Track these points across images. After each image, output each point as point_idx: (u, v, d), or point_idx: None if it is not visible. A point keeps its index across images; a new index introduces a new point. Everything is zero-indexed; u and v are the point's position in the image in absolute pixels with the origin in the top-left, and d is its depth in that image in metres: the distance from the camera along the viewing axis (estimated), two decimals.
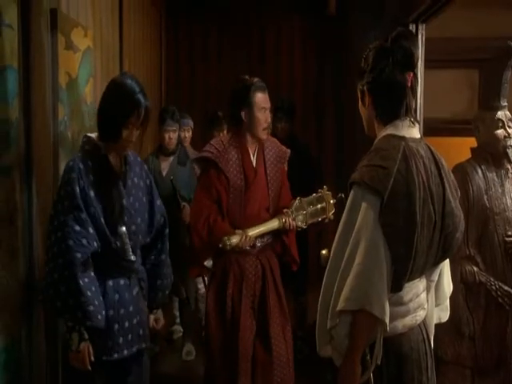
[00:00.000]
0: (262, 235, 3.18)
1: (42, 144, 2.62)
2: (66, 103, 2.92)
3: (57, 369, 2.82)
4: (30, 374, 2.54)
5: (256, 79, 3.24)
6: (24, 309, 2.48)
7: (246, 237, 3.05)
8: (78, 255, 2.23)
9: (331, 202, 3.29)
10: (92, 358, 2.31)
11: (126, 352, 2.44)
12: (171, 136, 4.44)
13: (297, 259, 3.39)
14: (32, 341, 2.53)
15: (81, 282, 2.23)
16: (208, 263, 3.31)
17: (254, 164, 3.26)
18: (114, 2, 4.16)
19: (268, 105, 3.23)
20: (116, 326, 2.40)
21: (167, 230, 2.69)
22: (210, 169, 3.19)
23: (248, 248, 3.16)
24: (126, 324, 2.44)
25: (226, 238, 2.99)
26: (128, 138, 2.36)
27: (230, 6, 6.39)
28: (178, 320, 4.90)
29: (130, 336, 2.46)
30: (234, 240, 3.01)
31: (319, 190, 3.29)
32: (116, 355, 2.41)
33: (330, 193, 3.30)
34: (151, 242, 2.62)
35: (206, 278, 3.63)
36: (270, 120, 3.27)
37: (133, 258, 2.45)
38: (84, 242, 2.26)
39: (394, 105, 1.97)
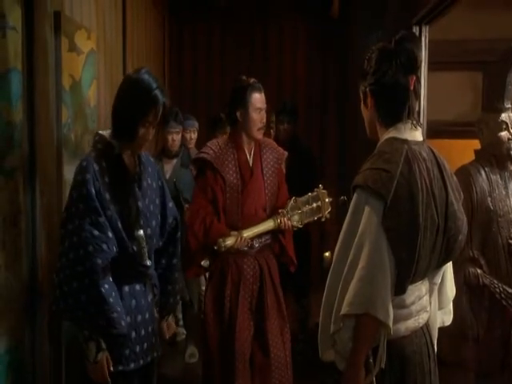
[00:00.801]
0: (259, 235, 3.21)
1: (45, 146, 2.62)
2: (70, 105, 2.92)
3: (60, 370, 2.82)
4: (34, 376, 2.54)
5: (253, 80, 3.27)
6: (27, 310, 2.48)
7: (240, 238, 3.07)
8: (99, 261, 2.14)
9: (327, 200, 3.31)
10: (111, 369, 2.23)
11: (141, 362, 2.37)
12: (174, 138, 4.44)
13: (294, 260, 3.40)
14: (35, 342, 2.53)
15: (102, 289, 2.14)
16: (205, 263, 3.32)
17: (251, 163, 3.29)
18: (117, 3, 4.17)
19: (264, 105, 3.25)
20: (133, 334, 2.32)
21: (179, 234, 2.61)
22: (207, 170, 3.22)
23: (246, 248, 3.18)
24: (143, 332, 2.37)
25: (220, 240, 3.03)
26: (145, 137, 2.27)
27: (233, 7, 6.40)
28: (181, 322, 4.89)
29: (145, 345, 2.38)
30: (229, 242, 3.05)
31: (315, 189, 3.31)
32: (133, 365, 2.33)
33: (325, 191, 3.32)
34: (163, 245, 2.53)
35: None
36: (265, 120, 3.28)
37: (148, 262, 2.37)
38: (104, 247, 2.17)
39: (396, 107, 1.96)
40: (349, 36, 6.02)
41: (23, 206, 2.45)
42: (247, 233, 3.11)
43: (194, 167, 3.42)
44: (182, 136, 4.66)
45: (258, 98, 3.22)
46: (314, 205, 3.28)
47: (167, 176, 4.43)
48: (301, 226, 3.27)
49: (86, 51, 3.16)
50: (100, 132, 2.37)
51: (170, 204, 2.55)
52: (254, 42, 6.60)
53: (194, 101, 6.49)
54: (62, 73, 2.81)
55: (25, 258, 2.46)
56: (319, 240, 5.60)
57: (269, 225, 3.18)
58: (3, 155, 2.27)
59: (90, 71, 3.22)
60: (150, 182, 2.42)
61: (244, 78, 3.28)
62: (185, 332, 4.79)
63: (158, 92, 2.25)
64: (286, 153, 3.44)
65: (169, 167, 4.47)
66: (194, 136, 4.85)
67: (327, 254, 5.17)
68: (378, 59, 1.95)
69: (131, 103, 2.24)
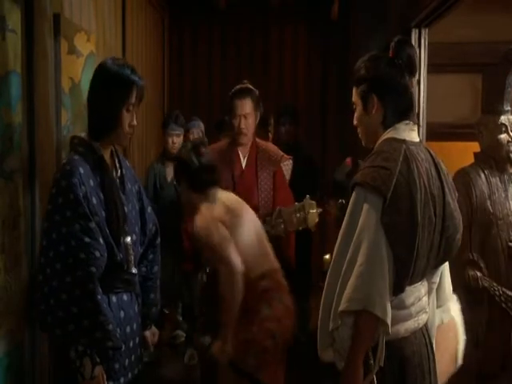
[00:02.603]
0: None
1: (45, 149, 2.62)
2: (69, 108, 2.92)
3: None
4: (33, 379, 2.53)
5: (239, 86, 3.40)
6: (27, 313, 2.48)
7: None
8: (93, 269, 2.02)
9: (313, 211, 3.33)
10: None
11: (130, 375, 2.25)
12: (174, 140, 4.45)
13: (291, 261, 3.46)
14: (35, 345, 2.52)
15: (98, 299, 2.03)
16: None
17: (244, 165, 3.41)
18: (117, 6, 4.17)
19: (243, 112, 3.35)
20: (123, 347, 2.18)
21: (159, 240, 2.51)
22: None
23: None
24: (131, 344, 2.26)
25: None
26: (131, 123, 2.19)
27: (233, 8, 6.39)
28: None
29: (133, 357, 2.27)
30: None
31: (313, 200, 3.36)
32: (122, 379, 2.20)
33: (313, 202, 3.34)
34: (143, 252, 2.42)
35: None
36: (245, 126, 3.37)
37: (134, 270, 2.28)
38: (97, 254, 2.04)
39: (404, 109, 2.00)
40: (349, 37, 6.02)
41: (23, 208, 2.45)
42: None
43: None
44: (186, 137, 4.67)
45: (237, 105, 3.35)
46: (299, 215, 3.32)
47: (168, 179, 4.44)
48: (283, 235, 3.32)
49: (86, 54, 3.15)
50: (78, 135, 2.28)
51: (149, 209, 2.45)
52: (255, 43, 6.60)
53: (194, 102, 6.48)
54: (62, 75, 2.81)
55: (24, 261, 2.45)
56: (320, 242, 5.60)
57: None
58: (3, 157, 2.27)
59: (89, 74, 3.20)
60: (130, 186, 2.34)
61: (244, 81, 3.43)
62: (184, 334, 4.79)
63: (133, 74, 2.19)
64: (285, 155, 3.50)
65: (170, 170, 4.48)
66: (198, 137, 4.85)
67: (327, 256, 5.18)
68: (381, 64, 1.99)
69: (111, 89, 2.15)
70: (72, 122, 2.96)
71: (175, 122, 4.46)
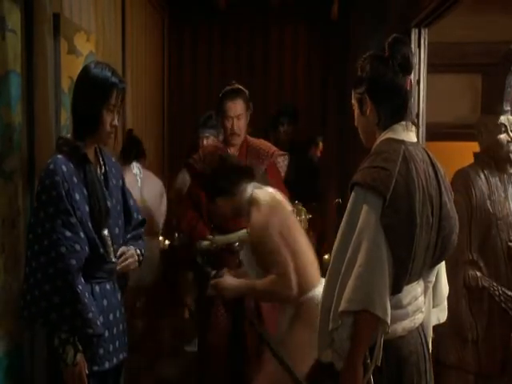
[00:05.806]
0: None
1: (44, 149, 2.63)
2: (69, 108, 2.91)
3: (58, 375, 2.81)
4: (32, 379, 2.53)
5: (230, 87, 3.40)
6: None
7: (213, 243, 3.31)
8: (73, 262, 2.12)
9: (303, 217, 3.35)
10: (87, 371, 2.19)
11: (115, 360, 2.34)
12: (204, 143, 4.46)
13: None
14: (34, 346, 2.52)
15: (78, 289, 2.11)
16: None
17: None
18: (117, 5, 4.18)
19: (236, 113, 3.36)
20: (106, 333, 2.28)
21: (143, 227, 2.59)
22: (191, 174, 3.49)
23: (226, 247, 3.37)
24: (115, 330, 2.35)
25: (197, 242, 3.32)
26: (112, 123, 2.25)
27: (233, 9, 6.39)
28: None
29: (117, 343, 2.36)
30: (204, 245, 3.31)
31: (292, 205, 3.37)
32: (107, 364, 2.29)
33: (303, 208, 3.35)
34: (130, 240, 2.50)
35: None
36: (237, 127, 3.37)
37: (114, 259, 2.34)
38: (77, 247, 2.14)
39: (397, 109, 2.00)
40: (349, 37, 6.03)
41: (22, 208, 2.46)
42: (221, 239, 3.30)
43: (186, 171, 3.55)
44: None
45: (229, 107, 3.35)
46: None
47: None
48: None
49: (85, 53, 3.16)
50: (63, 136, 2.37)
51: (131, 201, 2.54)
52: (255, 43, 6.60)
53: (193, 102, 6.48)
54: (61, 75, 2.82)
55: (24, 261, 2.45)
56: (319, 243, 5.60)
57: (243, 232, 3.27)
58: (2, 157, 2.28)
59: None
60: (114, 182, 2.41)
61: (232, 82, 3.43)
62: None
63: (114, 78, 2.25)
64: (279, 151, 3.51)
65: None
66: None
67: (326, 256, 5.17)
68: (374, 64, 1.99)
69: (91, 90, 2.23)
70: (71, 121, 2.96)
71: (204, 124, 4.49)
